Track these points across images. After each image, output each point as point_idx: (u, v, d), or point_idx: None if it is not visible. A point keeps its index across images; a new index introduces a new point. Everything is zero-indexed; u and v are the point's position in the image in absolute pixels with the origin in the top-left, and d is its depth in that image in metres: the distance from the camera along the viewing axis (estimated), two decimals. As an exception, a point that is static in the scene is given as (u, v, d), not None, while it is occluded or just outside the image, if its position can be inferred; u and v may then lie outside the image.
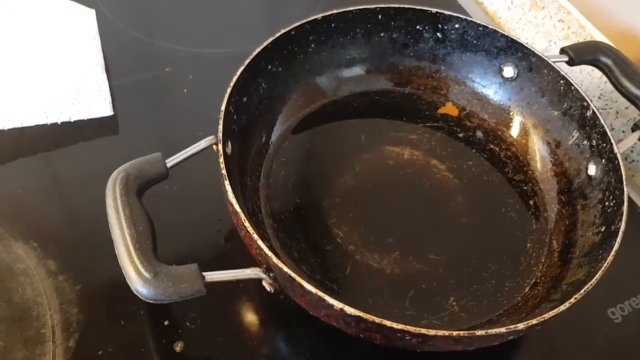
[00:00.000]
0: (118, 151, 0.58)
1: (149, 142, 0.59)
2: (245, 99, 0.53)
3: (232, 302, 0.50)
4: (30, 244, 0.51)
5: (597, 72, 0.59)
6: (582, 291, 0.41)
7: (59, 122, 0.58)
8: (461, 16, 0.58)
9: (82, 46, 0.63)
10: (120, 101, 0.62)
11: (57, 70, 0.60)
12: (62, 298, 0.48)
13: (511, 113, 0.60)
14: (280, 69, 0.56)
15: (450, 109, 0.61)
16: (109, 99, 0.60)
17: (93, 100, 0.60)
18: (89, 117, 0.59)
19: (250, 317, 0.50)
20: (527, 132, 0.59)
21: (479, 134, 0.60)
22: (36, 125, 0.58)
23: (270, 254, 0.40)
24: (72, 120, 0.59)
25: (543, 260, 0.51)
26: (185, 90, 0.64)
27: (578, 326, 0.50)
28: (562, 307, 0.40)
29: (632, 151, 0.63)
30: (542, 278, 0.50)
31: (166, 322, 0.48)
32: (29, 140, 0.58)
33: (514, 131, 0.60)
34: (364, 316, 0.38)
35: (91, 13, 0.67)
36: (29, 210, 0.54)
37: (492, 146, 0.59)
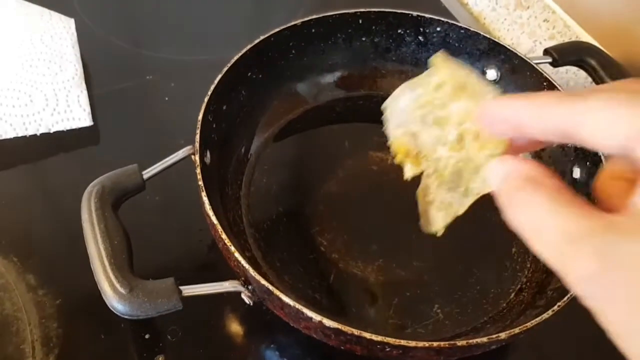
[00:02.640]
0: (98, 162, 0.58)
1: (130, 152, 0.59)
2: (224, 107, 0.52)
3: (214, 314, 0.49)
4: (9, 259, 0.51)
5: (582, 72, 0.59)
6: (565, 298, 0.40)
7: (38, 134, 0.58)
8: (442, 19, 0.57)
9: (61, 56, 0.62)
10: (101, 111, 0.61)
11: (36, 81, 0.59)
12: (42, 313, 0.48)
13: (495, 116, 0.59)
14: (260, 76, 0.56)
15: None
16: (88, 109, 0.60)
17: (72, 110, 0.59)
18: (69, 128, 0.59)
19: (234, 329, 0.49)
20: (512, 135, 0.58)
21: (464, 137, 0.59)
22: (15, 138, 0.57)
23: (247, 266, 0.39)
24: (51, 131, 0.58)
25: (528, 266, 0.51)
26: (166, 99, 0.64)
27: (566, 329, 0.49)
28: (546, 315, 0.39)
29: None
30: (528, 284, 0.49)
31: (147, 336, 0.47)
32: (7, 153, 0.57)
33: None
34: (342, 328, 0.37)
35: (70, 22, 0.66)
36: (8, 224, 0.53)
37: (476, 150, 0.59)
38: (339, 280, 0.49)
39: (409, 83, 0.33)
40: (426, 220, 0.37)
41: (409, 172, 0.35)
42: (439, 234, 0.35)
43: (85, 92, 0.61)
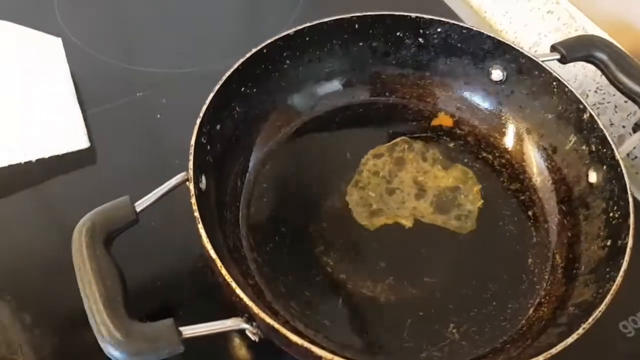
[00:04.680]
0: (96, 186, 0.55)
1: (126, 173, 0.56)
2: (218, 127, 0.49)
3: (221, 346, 0.47)
4: (3, 297, 0.48)
5: (591, 66, 0.56)
6: (590, 319, 0.38)
7: (33, 160, 0.55)
8: (443, 19, 0.54)
9: (52, 77, 0.60)
10: (94, 131, 0.59)
11: (29, 106, 0.57)
12: (39, 354, 0.46)
13: (503, 118, 0.57)
14: (254, 90, 0.53)
15: (443, 120, 0.58)
16: (84, 130, 0.57)
17: (68, 133, 0.57)
18: (65, 152, 0.56)
19: (244, 357, 0.47)
20: (521, 137, 0.56)
21: (471, 142, 0.57)
22: (9, 165, 0.55)
23: (250, 303, 0.37)
24: (47, 156, 0.56)
25: (546, 277, 0.48)
26: (158, 116, 0.61)
27: (588, 343, 0.47)
28: (570, 339, 0.37)
29: (634, 147, 0.59)
30: (547, 297, 0.47)
31: (150, 373, 0.45)
32: (4, 181, 0.55)
33: (507, 137, 0.56)
34: (355, 366, 0.35)
35: (57, 42, 0.63)
36: (1, 260, 0.51)
37: (484, 154, 0.56)
38: (348, 303, 0.47)
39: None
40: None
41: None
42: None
43: (79, 113, 0.59)
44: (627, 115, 0.59)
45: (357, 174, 0.54)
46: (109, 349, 0.37)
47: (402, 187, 0.54)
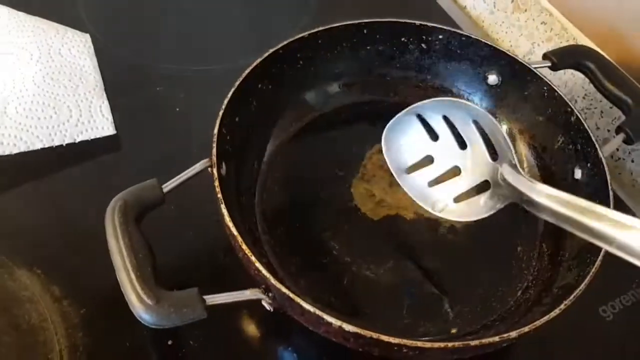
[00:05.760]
0: (122, 170, 0.59)
1: (149, 161, 0.60)
2: (237, 119, 0.53)
3: (236, 318, 0.51)
4: (33, 271, 0.52)
5: (581, 74, 0.61)
6: (571, 297, 0.42)
7: (63, 144, 0.59)
8: (444, 27, 0.59)
9: (80, 69, 0.65)
10: (118, 121, 0.63)
11: (58, 94, 0.61)
12: (67, 323, 0.49)
13: (497, 119, 0.61)
14: (270, 87, 0.57)
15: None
16: (110, 118, 0.62)
17: (95, 120, 0.61)
18: (93, 137, 0.60)
19: (255, 332, 0.51)
20: (514, 137, 0.60)
21: (467, 140, 0.61)
22: (42, 149, 0.59)
23: (268, 275, 0.41)
24: (76, 141, 0.60)
25: (534, 264, 0.53)
26: (177, 109, 0.65)
27: (569, 326, 0.51)
28: (553, 314, 0.41)
29: (617, 149, 0.64)
30: (534, 282, 0.51)
31: (170, 342, 0.49)
32: (34, 164, 0.59)
33: (501, 136, 0.61)
34: (361, 332, 0.39)
35: (86, 37, 0.68)
36: (31, 237, 0.54)
37: (480, 152, 0.60)
38: (353, 283, 0.51)
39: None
40: None
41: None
42: None
43: (106, 102, 0.63)
44: (612, 120, 0.64)
45: (362, 167, 0.59)
46: (141, 313, 0.40)
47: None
